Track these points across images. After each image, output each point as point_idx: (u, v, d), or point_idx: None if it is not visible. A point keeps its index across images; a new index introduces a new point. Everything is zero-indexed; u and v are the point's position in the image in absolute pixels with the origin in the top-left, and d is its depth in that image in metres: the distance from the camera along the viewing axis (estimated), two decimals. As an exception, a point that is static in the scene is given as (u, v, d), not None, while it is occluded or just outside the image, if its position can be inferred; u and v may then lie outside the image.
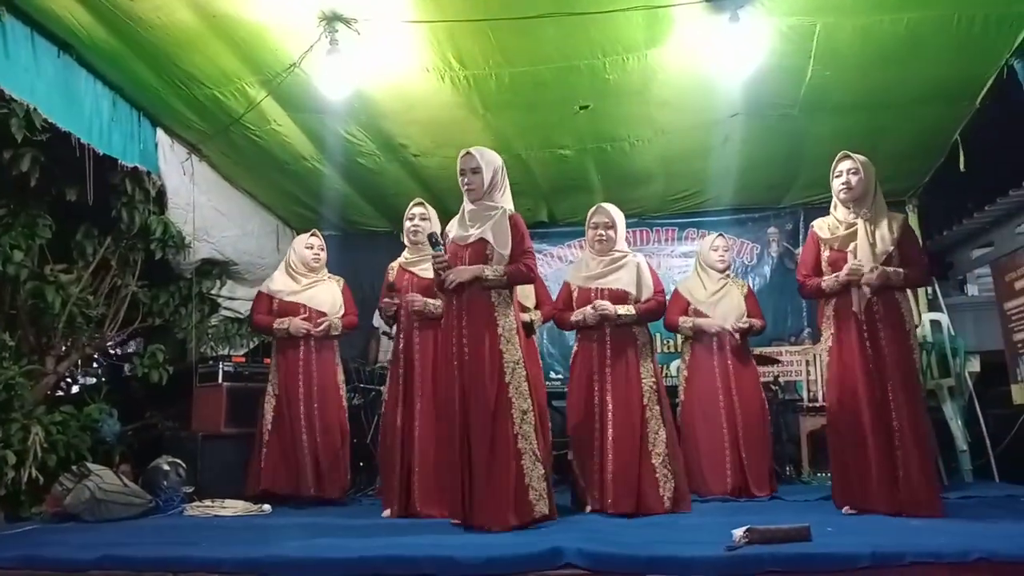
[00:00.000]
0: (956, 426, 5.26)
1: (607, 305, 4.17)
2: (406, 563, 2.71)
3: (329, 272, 5.21)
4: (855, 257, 3.78)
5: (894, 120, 5.19)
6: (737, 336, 4.93)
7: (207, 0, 3.87)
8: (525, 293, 4.49)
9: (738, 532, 2.79)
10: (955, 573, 2.51)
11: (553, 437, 4.63)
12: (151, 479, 4.61)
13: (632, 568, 2.61)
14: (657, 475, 4.03)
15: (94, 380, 6.13)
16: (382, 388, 5.19)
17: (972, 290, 7.44)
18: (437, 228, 4.37)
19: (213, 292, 6.04)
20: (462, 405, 3.61)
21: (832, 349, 3.84)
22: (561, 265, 7.16)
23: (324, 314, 4.95)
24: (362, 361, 6.48)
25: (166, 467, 4.67)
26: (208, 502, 4.63)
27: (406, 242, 4.65)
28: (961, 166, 5.29)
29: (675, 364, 6.57)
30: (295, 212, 6.82)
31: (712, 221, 6.93)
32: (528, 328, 4.73)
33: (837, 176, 3.92)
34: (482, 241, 3.73)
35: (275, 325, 4.96)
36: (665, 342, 7.00)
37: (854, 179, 3.84)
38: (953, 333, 5.65)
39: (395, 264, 4.68)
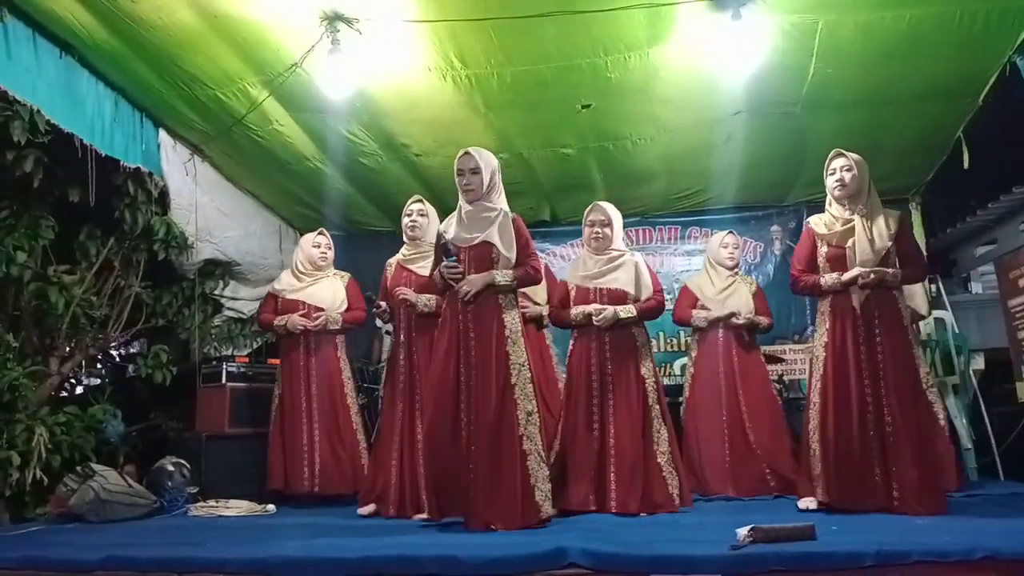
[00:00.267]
0: (960, 424, 5.25)
1: (607, 312, 4.15)
2: (409, 563, 2.71)
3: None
4: (854, 253, 3.78)
5: (896, 117, 5.17)
6: (745, 334, 4.93)
7: (208, 0, 3.87)
8: (534, 288, 4.49)
9: (742, 531, 2.78)
10: (960, 572, 2.50)
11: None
12: (155, 480, 4.62)
13: (636, 567, 2.61)
14: (664, 473, 4.06)
15: (98, 381, 6.12)
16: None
17: (976, 288, 7.44)
18: (435, 226, 4.33)
19: (216, 292, 6.04)
20: (466, 405, 3.60)
21: (828, 345, 3.83)
22: (564, 264, 7.13)
23: (322, 310, 4.96)
24: (365, 361, 6.48)
25: (170, 468, 4.68)
26: (212, 502, 4.64)
27: (404, 239, 4.66)
28: (964, 163, 5.28)
29: (679, 363, 6.58)
30: (297, 212, 6.82)
31: (715, 220, 6.91)
32: (539, 322, 4.75)
33: (831, 174, 3.92)
34: (487, 244, 3.73)
35: (275, 322, 5.01)
36: (669, 341, 6.98)
37: (848, 176, 3.85)
38: (957, 331, 5.64)
39: (393, 261, 4.68)
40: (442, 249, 3.74)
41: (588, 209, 4.41)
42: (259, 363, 5.71)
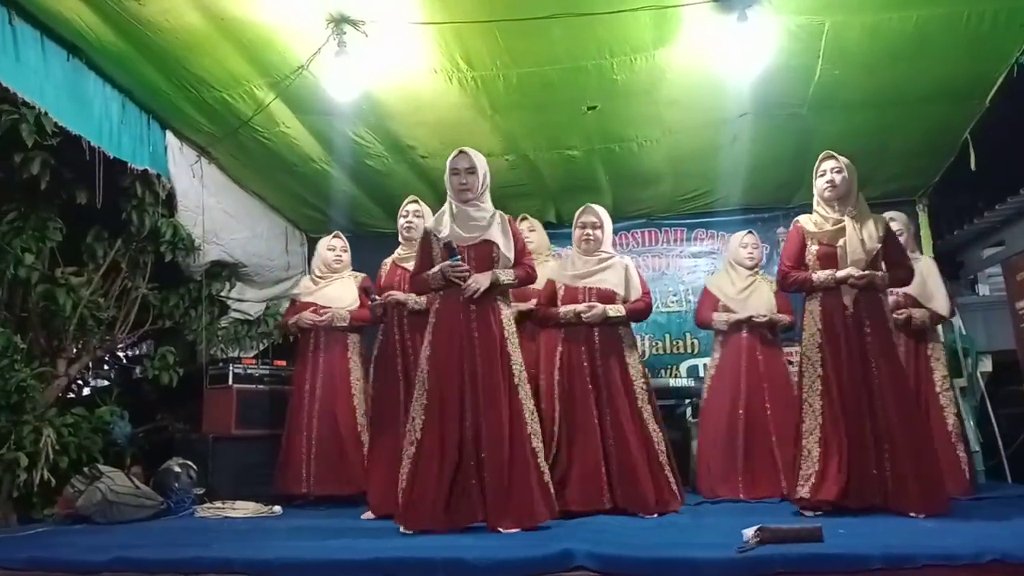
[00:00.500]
0: (968, 426, 5.23)
1: (597, 309, 4.17)
2: (417, 565, 2.71)
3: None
4: (845, 252, 3.82)
5: (903, 118, 5.15)
6: (768, 332, 4.92)
7: (215, 3, 3.87)
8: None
9: (749, 532, 2.78)
10: (968, 575, 2.48)
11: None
12: (162, 481, 4.63)
13: (643, 570, 2.60)
14: (667, 471, 4.10)
15: (105, 382, 6.15)
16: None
17: (983, 289, 7.40)
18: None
19: (223, 294, 6.05)
20: (472, 406, 3.58)
21: (823, 346, 3.83)
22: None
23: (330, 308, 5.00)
24: None
25: (177, 469, 4.69)
26: (219, 504, 4.65)
27: (400, 239, 4.68)
28: (972, 165, 5.26)
29: (685, 364, 6.57)
30: (304, 214, 6.82)
31: (721, 221, 6.90)
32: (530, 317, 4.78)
33: (821, 175, 3.95)
34: (488, 243, 3.75)
35: (288, 321, 5.14)
36: (675, 343, 6.95)
37: (838, 178, 3.88)
38: (964, 333, 5.62)
39: (388, 260, 4.71)
40: (446, 248, 3.72)
41: (580, 211, 4.44)
42: (266, 364, 5.72)
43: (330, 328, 5.05)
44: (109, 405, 4.87)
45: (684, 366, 6.54)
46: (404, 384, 4.32)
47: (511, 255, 3.79)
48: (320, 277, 5.22)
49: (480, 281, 3.67)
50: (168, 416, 5.67)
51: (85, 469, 4.33)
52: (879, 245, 3.85)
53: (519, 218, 5.21)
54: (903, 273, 3.96)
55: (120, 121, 4.61)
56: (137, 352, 6.43)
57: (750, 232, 5.27)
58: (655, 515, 3.96)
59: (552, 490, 3.60)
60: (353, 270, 5.35)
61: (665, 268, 7.04)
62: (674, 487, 4.10)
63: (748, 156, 5.70)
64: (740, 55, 4.15)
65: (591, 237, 4.36)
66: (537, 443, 3.60)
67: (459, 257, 3.69)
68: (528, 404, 3.64)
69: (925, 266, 4.75)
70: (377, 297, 4.57)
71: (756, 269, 5.17)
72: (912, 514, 3.51)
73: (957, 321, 5.62)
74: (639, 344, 6.87)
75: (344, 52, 4.09)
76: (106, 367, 6.29)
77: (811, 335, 3.89)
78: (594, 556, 2.64)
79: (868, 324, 3.77)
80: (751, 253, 5.14)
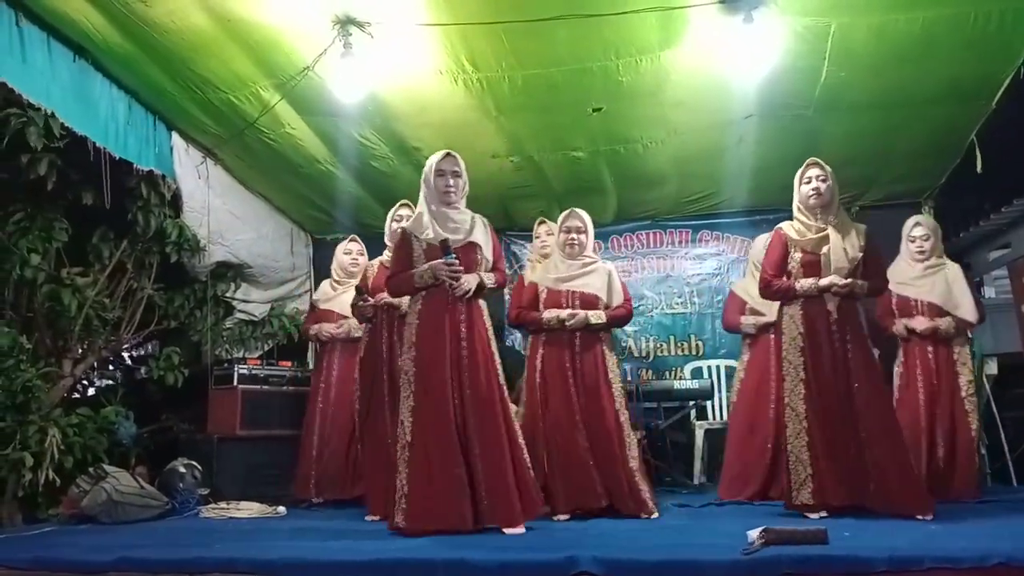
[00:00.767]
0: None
1: (579, 315, 4.20)
2: (420, 567, 2.71)
3: None
4: (828, 260, 3.85)
5: (909, 120, 5.14)
6: None
7: (222, 4, 3.88)
8: None
9: (753, 533, 2.78)
10: (974, 578, 2.48)
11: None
12: (167, 481, 4.64)
13: (648, 574, 2.60)
14: (637, 478, 4.08)
15: (110, 383, 6.15)
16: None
17: (989, 292, 7.37)
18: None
19: (228, 295, 6.06)
20: (461, 406, 3.59)
21: (805, 350, 3.84)
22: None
23: (347, 318, 4.99)
24: None
25: (182, 469, 4.70)
26: (223, 504, 4.65)
27: (387, 240, 4.69)
28: (978, 167, 5.24)
29: (690, 366, 6.55)
30: (309, 215, 6.83)
31: (727, 223, 6.90)
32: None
33: (806, 182, 3.97)
34: (473, 245, 3.79)
35: (309, 331, 5.23)
36: (680, 344, 6.94)
37: (823, 186, 3.92)
38: (971, 335, 5.59)
39: (376, 262, 4.70)
40: (440, 247, 3.70)
41: (564, 215, 4.44)
42: (271, 365, 5.72)
43: (347, 339, 5.07)
44: (114, 405, 4.87)
45: (688, 368, 6.52)
46: (390, 385, 4.28)
47: (491, 259, 3.85)
48: (337, 282, 5.25)
49: (470, 281, 3.70)
50: (173, 416, 5.68)
51: (90, 469, 4.34)
52: (860, 254, 3.89)
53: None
54: (880, 283, 4.04)
55: (126, 122, 4.62)
56: (142, 352, 6.43)
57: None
58: (655, 516, 3.99)
59: (536, 487, 3.67)
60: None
61: (670, 270, 7.03)
62: (645, 495, 4.07)
63: (753, 158, 5.69)
64: (746, 56, 4.14)
65: (576, 241, 4.37)
66: (521, 440, 3.69)
67: (454, 256, 3.69)
68: (508, 403, 3.72)
69: (951, 273, 4.73)
70: (370, 298, 4.53)
71: None
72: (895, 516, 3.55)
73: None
74: (643, 345, 6.96)
75: (350, 53, 4.09)
76: (111, 367, 6.29)
77: (792, 339, 3.90)
78: (598, 560, 2.62)
79: (849, 331, 3.82)
80: None
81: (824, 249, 3.87)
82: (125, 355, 6.38)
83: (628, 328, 6.89)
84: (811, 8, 4.00)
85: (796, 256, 3.95)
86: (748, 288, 5.11)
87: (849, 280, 3.82)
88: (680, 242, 7.08)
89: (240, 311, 6.24)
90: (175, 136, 5.13)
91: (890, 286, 4.48)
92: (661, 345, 6.95)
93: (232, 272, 6.03)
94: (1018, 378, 5.51)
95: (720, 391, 6.19)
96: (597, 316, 4.25)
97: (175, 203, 5.20)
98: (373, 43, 4.14)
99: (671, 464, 5.78)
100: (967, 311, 4.65)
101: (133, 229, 5.06)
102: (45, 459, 4.17)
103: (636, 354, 6.97)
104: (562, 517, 3.97)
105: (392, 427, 4.02)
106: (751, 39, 4.01)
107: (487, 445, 3.55)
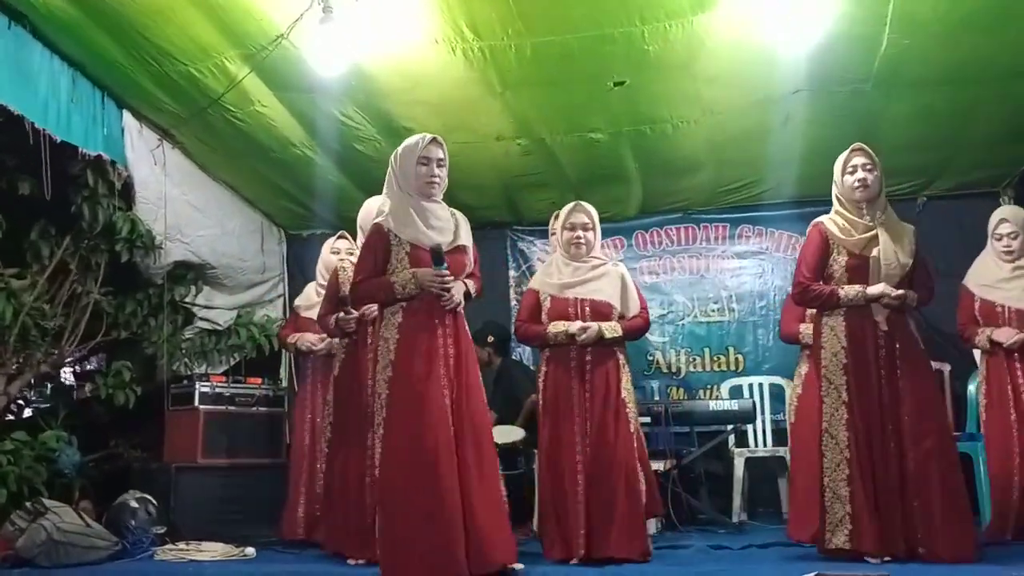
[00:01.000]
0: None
1: (591, 329, 4.15)
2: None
3: None
4: (879, 264, 3.84)
5: (984, 97, 5.13)
6: None
7: (181, -38, 3.91)
8: None
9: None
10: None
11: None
12: (116, 518, 4.64)
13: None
14: (639, 515, 4.08)
15: (50, 403, 6.17)
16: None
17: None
18: None
19: (187, 300, 6.07)
20: (456, 428, 3.62)
21: (848, 368, 3.84)
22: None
23: None
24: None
25: (134, 504, 4.71)
26: (182, 544, 4.66)
27: (319, 279, 4.69)
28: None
29: (727, 384, 6.54)
30: (282, 207, 6.85)
31: (771, 216, 6.89)
32: None
33: (850, 172, 3.96)
34: (462, 250, 3.85)
35: (287, 340, 5.25)
36: (716, 358, 6.93)
37: (870, 177, 3.91)
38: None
39: (347, 265, 4.66)
40: (433, 253, 3.70)
41: (568, 210, 4.42)
42: (238, 382, 5.74)
43: (328, 355, 5.06)
44: (55, 429, 4.89)
45: (726, 386, 6.51)
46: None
47: (472, 264, 3.92)
48: (323, 286, 5.22)
49: (460, 293, 3.75)
50: (123, 442, 5.70)
51: (27, 504, 4.35)
52: (911, 260, 3.88)
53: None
54: (928, 295, 4.00)
55: (70, 99, 4.64)
56: (88, 367, 6.46)
57: None
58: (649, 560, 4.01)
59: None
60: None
61: (704, 271, 7.03)
62: (647, 535, 4.11)
63: (802, 140, 5.68)
64: (793, 22, 4.14)
65: (582, 240, 4.33)
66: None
67: (446, 265, 3.70)
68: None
69: None
70: (354, 312, 4.52)
71: None
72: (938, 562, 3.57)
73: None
74: (673, 359, 6.96)
75: (330, 19, 4.10)
76: (51, 385, 6.32)
77: (834, 354, 3.89)
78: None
79: (899, 347, 3.81)
80: None
81: (873, 252, 3.87)
82: (68, 370, 6.40)
83: (655, 339, 6.89)
84: (870, -35, 4.01)
85: (841, 259, 3.94)
86: None
87: (903, 292, 3.82)
88: (716, 238, 7.08)
89: (202, 319, 6.25)
90: (127, 115, 5.15)
91: (972, 287, 4.46)
92: (694, 359, 6.95)
93: (192, 274, 6.05)
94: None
95: (764, 413, 6.19)
96: (612, 329, 4.21)
97: (126, 193, 5.22)
98: (357, 6, 4.15)
99: (706, 499, 5.77)
100: None
101: (78, 224, 5.09)
102: (-27, 492, 4.19)
103: (665, 370, 6.98)
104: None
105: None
106: (799, 2, 4.01)
107: (485, 479, 3.59)
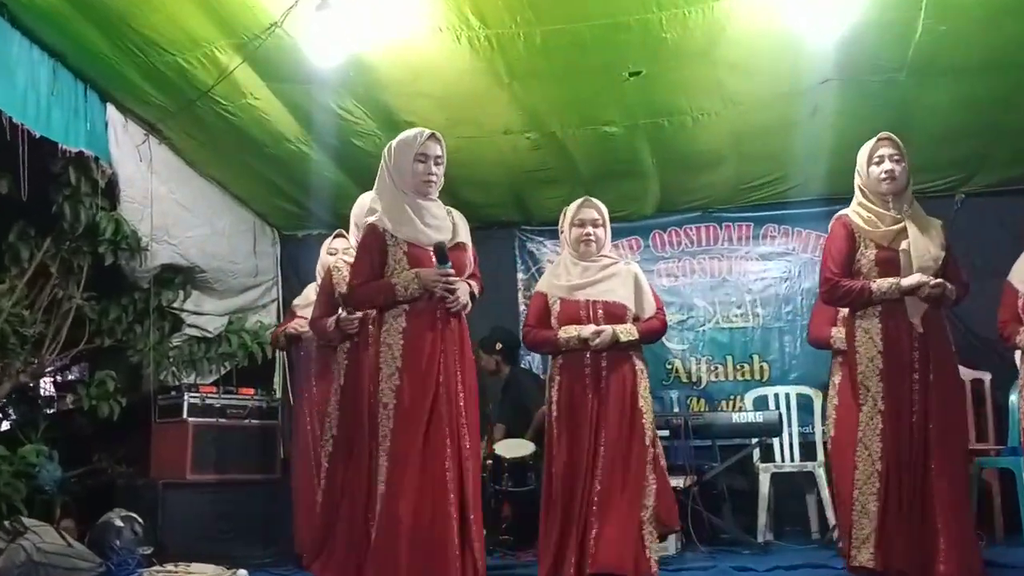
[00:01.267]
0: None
1: (605, 333, 4.13)
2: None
3: None
4: (909, 258, 3.83)
5: (1028, 85, 5.14)
6: None
7: (168, -54, 3.93)
8: None
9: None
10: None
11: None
12: (100, 537, 4.67)
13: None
14: (644, 531, 4.05)
15: (30, 415, 6.19)
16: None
17: None
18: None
19: (175, 305, 6.09)
20: (452, 439, 3.67)
21: (884, 373, 3.83)
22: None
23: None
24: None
25: (119, 523, 4.73)
26: (170, 566, 4.67)
27: (317, 278, 4.71)
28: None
29: (752, 395, 6.54)
30: (276, 206, 6.87)
31: (798, 214, 6.88)
32: None
33: (876, 162, 3.95)
34: (462, 247, 3.87)
35: (277, 332, 5.26)
36: (739, 367, 6.93)
37: (898, 168, 3.91)
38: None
39: (342, 265, 4.68)
40: (436, 251, 3.72)
41: (576, 205, 4.42)
42: (229, 393, 5.76)
43: (327, 364, 5.05)
44: (35, 443, 4.91)
45: (750, 397, 6.50)
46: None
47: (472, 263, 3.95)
48: None
49: (466, 294, 3.78)
50: (107, 457, 5.71)
51: (5, 523, 4.37)
52: (943, 253, 3.88)
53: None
54: (963, 290, 3.98)
55: (50, 92, 4.65)
56: (69, 377, 6.48)
57: None
58: None
59: None
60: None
61: (727, 273, 7.03)
62: (650, 554, 4.06)
63: (831, 133, 5.68)
64: (821, 7, 4.15)
65: (592, 237, 4.32)
66: None
67: (450, 264, 3.71)
68: None
69: None
70: (358, 313, 4.53)
71: None
72: None
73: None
74: (693, 368, 6.95)
75: (327, 6, 4.12)
76: (31, 396, 6.34)
77: (870, 359, 3.89)
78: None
79: (933, 352, 3.80)
80: None
81: (903, 245, 3.86)
82: (48, 380, 6.43)
83: (675, 347, 6.89)
84: (903, -54, 4.01)
85: (869, 253, 3.94)
86: None
87: (940, 280, 3.80)
88: (739, 239, 7.08)
89: (190, 326, 6.27)
90: (111, 109, 5.17)
91: (1017, 284, 4.45)
92: (716, 368, 6.96)
93: (180, 277, 6.07)
94: None
95: (791, 425, 6.19)
96: (628, 332, 4.19)
97: (110, 192, 5.24)
98: (356, -7, 4.17)
99: (729, 518, 5.77)
100: None
101: (59, 224, 5.11)
102: (-51, 510, 4.21)
103: (684, 379, 6.98)
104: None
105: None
106: (828, -15, 4.03)
107: (472, 485, 3.68)
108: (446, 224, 3.86)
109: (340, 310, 4.53)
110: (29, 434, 5.11)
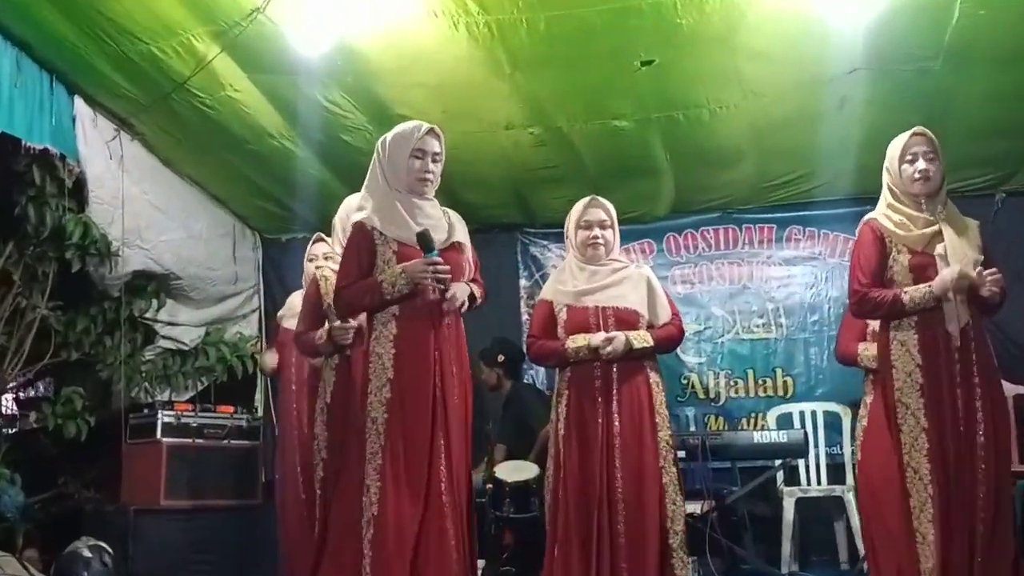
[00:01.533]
0: None
1: (617, 340, 4.10)
2: None
3: None
4: (945, 262, 3.80)
5: (1074, 76, 5.14)
6: None
7: (141, -74, 3.94)
8: None
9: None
10: None
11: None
12: (67, 568, 4.65)
13: None
14: (674, 560, 4.04)
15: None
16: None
17: None
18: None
19: (148, 316, 6.08)
20: (446, 446, 3.69)
21: (924, 389, 3.78)
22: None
23: None
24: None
25: (87, 553, 4.71)
26: (143, 600, 4.68)
27: (304, 282, 4.71)
28: None
29: (774, 412, 6.54)
30: (258, 207, 6.88)
31: (824, 215, 6.88)
32: None
33: (909, 160, 3.91)
34: (459, 247, 3.88)
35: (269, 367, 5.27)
36: (761, 383, 6.92)
37: (932, 167, 3.87)
38: None
39: (327, 271, 4.66)
40: (421, 240, 3.69)
41: (582, 205, 4.40)
42: (206, 411, 5.75)
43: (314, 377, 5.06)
44: (-5, 465, 4.91)
45: (773, 414, 6.50)
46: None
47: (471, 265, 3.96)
48: None
49: (463, 291, 3.77)
50: (74, 481, 5.70)
51: (-36, 552, 4.37)
52: (981, 256, 3.85)
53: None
54: (1003, 297, 3.94)
55: (12, 85, 4.65)
56: (33, 394, 6.48)
57: None
58: None
59: None
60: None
61: (747, 279, 7.03)
62: None
63: (860, 127, 5.68)
64: (849, -10, 4.16)
65: (600, 239, 4.31)
66: None
67: (437, 252, 3.69)
68: None
69: None
70: (352, 321, 4.53)
71: None
72: None
73: None
74: (711, 383, 6.94)
75: (313, -11, 4.14)
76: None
77: (908, 374, 3.85)
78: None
79: (976, 363, 3.77)
80: None
81: (939, 248, 3.83)
82: (10, 397, 6.42)
83: (691, 360, 6.89)
84: (938, -76, 4.02)
85: (902, 258, 3.91)
86: None
87: (995, 271, 3.77)
88: (761, 242, 7.08)
89: (165, 337, 6.27)
90: (79, 103, 5.18)
91: None
92: (736, 383, 6.96)
93: (154, 285, 6.07)
94: None
95: (817, 446, 6.18)
96: (641, 339, 4.16)
97: (78, 193, 5.24)
98: (345, -24, 4.18)
99: (751, 546, 5.76)
100: None
101: (22, 228, 5.11)
102: (-96, 538, 4.21)
103: (702, 395, 6.98)
104: None
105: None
106: (856, -34, 4.04)
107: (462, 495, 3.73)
108: (441, 224, 3.85)
109: (327, 322, 4.53)
110: (-11, 456, 5.11)
